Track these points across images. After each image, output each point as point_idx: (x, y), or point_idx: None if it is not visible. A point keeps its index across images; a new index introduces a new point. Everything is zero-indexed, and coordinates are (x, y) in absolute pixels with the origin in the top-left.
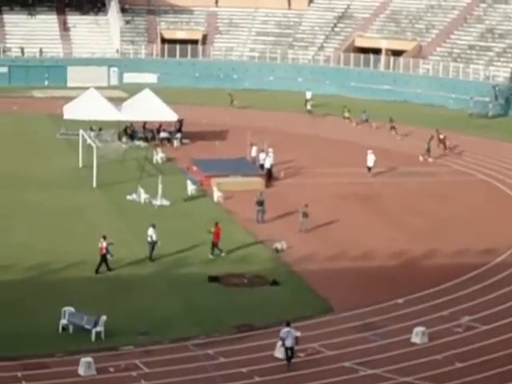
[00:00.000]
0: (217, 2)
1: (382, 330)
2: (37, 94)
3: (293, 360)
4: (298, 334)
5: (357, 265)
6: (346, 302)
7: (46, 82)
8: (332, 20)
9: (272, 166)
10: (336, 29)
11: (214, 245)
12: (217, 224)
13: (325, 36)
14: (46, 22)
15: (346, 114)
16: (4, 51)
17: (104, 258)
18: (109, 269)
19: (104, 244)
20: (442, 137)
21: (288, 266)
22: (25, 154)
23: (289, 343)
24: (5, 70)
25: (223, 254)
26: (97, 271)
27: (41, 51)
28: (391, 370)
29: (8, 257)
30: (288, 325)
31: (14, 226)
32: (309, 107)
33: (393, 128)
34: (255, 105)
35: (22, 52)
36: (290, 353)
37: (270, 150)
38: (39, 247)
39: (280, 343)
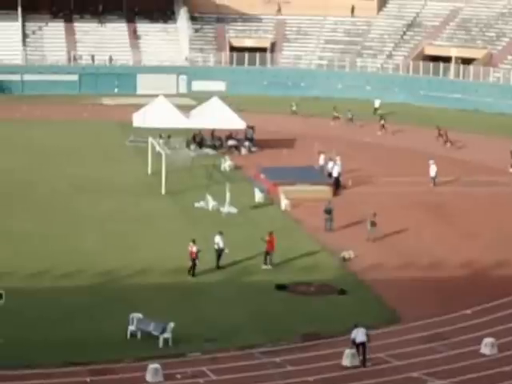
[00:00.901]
0: (279, 11)
1: (450, 340)
2: (106, 101)
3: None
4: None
5: (425, 274)
6: (414, 311)
7: (116, 90)
8: (401, 28)
9: (340, 174)
10: (405, 37)
11: (267, 254)
12: (271, 233)
13: (394, 44)
14: (115, 30)
15: (335, 114)
16: (75, 59)
17: (194, 262)
18: (193, 274)
19: (194, 248)
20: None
21: (355, 275)
22: (95, 161)
23: (360, 338)
24: (75, 77)
25: (269, 267)
26: (193, 274)
27: (110, 59)
28: (460, 380)
29: (78, 263)
30: (356, 326)
31: (85, 232)
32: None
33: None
34: (323, 113)
35: (93, 60)
36: (363, 349)
37: (338, 158)
38: (109, 253)
39: (348, 350)
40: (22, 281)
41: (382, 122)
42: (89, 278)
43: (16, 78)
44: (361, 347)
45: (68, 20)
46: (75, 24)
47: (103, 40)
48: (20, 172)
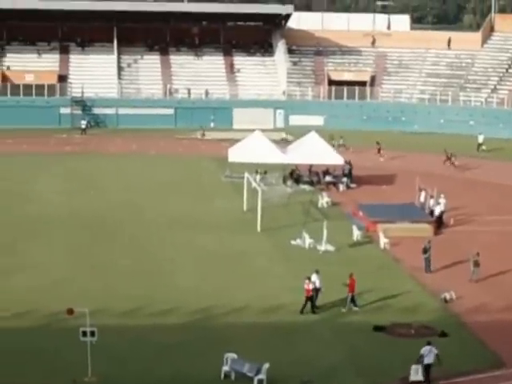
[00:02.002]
0: (373, 43)
1: None
2: (202, 135)
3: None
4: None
5: None
6: None
7: (212, 124)
8: (506, 61)
9: (443, 212)
10: (510, 70)
11: (349, 297)
12: (351, 275)
13: (498, 77)
14: (212, 63)
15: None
16: (170, 92)
17: (309, 299)
18: (313, 311)
19: (310, 286)
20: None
21: (457, 317)
22: (190, 197)
23: (429, 360)
24: (171, 111)
25: (344, 310)
26: (313, 311)
27: (206, 92)
28: None
29: (172, 300)
30: (429, 343)
31: (179, 269)
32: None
33: None
34: (425, 148)
35: (189, 93)
36: (427, 371)
37: (442, 196)
38: (203, 291)
39: (414, 365)
40: (116, 318)
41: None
42: (183, 315)
43: (111, 111)
44: (427, 368)
45: (164, 53)
46: (171, 57)
47: (199, 73)
48: (115, 207)
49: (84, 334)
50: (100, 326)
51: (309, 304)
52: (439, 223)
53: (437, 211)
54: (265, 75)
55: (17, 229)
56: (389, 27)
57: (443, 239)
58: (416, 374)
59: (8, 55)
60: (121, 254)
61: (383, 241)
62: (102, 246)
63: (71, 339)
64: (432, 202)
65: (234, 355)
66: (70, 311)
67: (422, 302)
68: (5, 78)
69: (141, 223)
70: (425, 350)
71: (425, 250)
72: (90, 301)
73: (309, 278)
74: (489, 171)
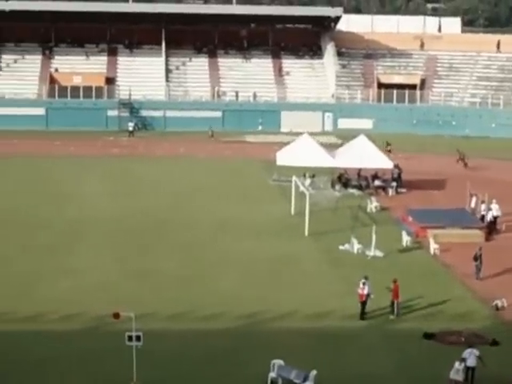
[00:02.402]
0: (422, 46)
1: None
2: (250, 138)
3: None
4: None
5: None
6: None
7: (260, 127)
8: None
9: (496, 218)
10: None
11: (393, 304)
12: (395, 281)
13: None
14: (260, 66)
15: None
16: (218, 95)
17: (363, 305)
18: (362, 317)
19: (365, 291)
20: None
21: (509, 325)
22: (237, 200)
23: (471, 363)
24: (219, 114)
25: (392, 317)
26: (361, 317)
27: (254, 95)
28: None
29: (218, 305)
30: (471, 346)
31: (226, 273)
32: None
33: None
34: (476, 153)
35: (237, 96)
36: (471, 373)
37: (494, 201)
38: (249, 296)
39: (458, 363)
40: (161, 322)
41: None
42: (229, 320)
43: (159, 114)
44: (470, 371)
45: (212, 55)
46: (219, 59)
47: (248, 76)
48: (162, 211)
49: (130, 338)
50: (146, 330)
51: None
52: (491, 229)
53: (488, 217)
54: (313, 78)
55: (64, 231)
56: (439, 30)
57: (494, 245)
58: (456, 373)
59: (56, 57)
60: (167, 257)
61: (433, 247)
62: (148, 250)
63: (117, 343)
64: (483, 207)
65: (281, 362)
66: (117, 315)
67: (473, 310)
68: (53, 80)
69: (188, 227)
70: (466, 352)
71: (476, 257)
72: (136, 305)
73: (364, 283)
74: None
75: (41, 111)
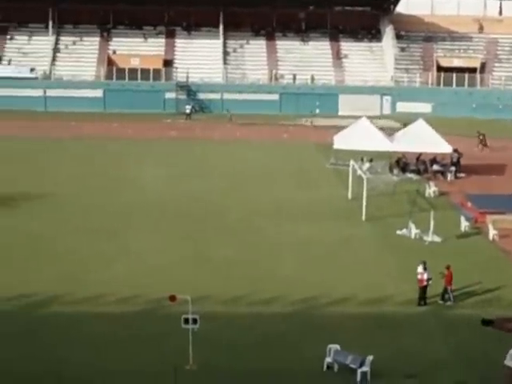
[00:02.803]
0: (481, 29)
1: None
2: (307, 122)
3: None
4: None
5: None
6: None
7: (317, 110)
8: None
9: None
10: None
11: (446, 290)
12: (448, 267)
13: None
14: (318, 49)
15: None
16: (276, 78)
17: (423, 290)
18: (424, 303)
19: (425, 276)
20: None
21: None
22: (294, 184)
23: None
24: (276, 97)
25: (449, 303)
26: (424, 303)
27: (312, 78)
28: None
29: (275, 289)
30: None
31: (282, 257)
32: None
33: None
34: None
35: (294, 79)
36: None
37: None
38: (306, 280)
39: None
40: (218, 306)
41: None
42: (286, 305)
43: (216, 96)
44: None
45: (270, 38)
46: (277, 42)
47: (305, 59)
48: (218, 194)
49: (186, 321)
50: (202, 313)
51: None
52: None
53: None
54: (372, 61)
55: (120, 214)
56: (500, 13)
57: None
58: (511, 360)
59: (114, 39)
60: (223, 241)
61: (492, 232)
62: (204, 234)
63: (173, 326)
64: None
65: (338, 346)
66: (173, 298)
67: None
68: (111, 62)
69: (244, 210)
70: None
71: None
72: (192, 288)
73: (425, 268)
74: None
75: (98, 93)
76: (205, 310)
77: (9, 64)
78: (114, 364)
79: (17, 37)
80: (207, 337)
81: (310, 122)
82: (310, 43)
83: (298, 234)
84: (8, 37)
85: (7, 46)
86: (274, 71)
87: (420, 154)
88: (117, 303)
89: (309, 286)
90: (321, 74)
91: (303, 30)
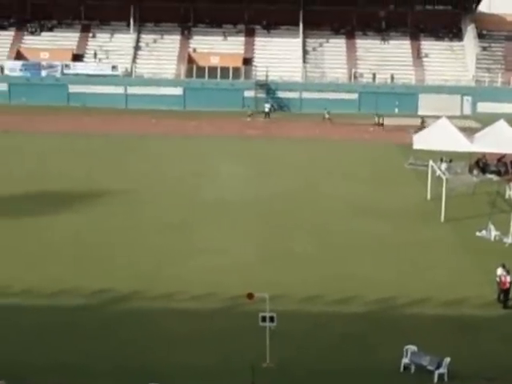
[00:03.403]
0: None
1: None
2: (386, 121)
3: None
4: None
5: None
6: None
7: (396, 110)
8: None
9: None
10: None
11: (502, 292)
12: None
13: None
14: (398, 48)
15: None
16: (355, 77)
17: (505, 292)
18: (504, 305)
19: (508, 278)
20: None
21: None
22: (371, 183)
23: None
24: (355, 96)
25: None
26: (505, 306)
27: (392, 77)
28: None
29: (351, 288)
30: None
31: (358, 257)
32: None
33: None
34: None
35: (374, 78)
36: None
37: None
38: (382, 280)
39: None
40: (295, 304)
41: None
42: (362, 304)
43: (295, 95)
44: None
45: (350, 36)
46: (357, 41)
47: (385, 58)
48: (296, 192)
49: (263, 319)
50: (279, 311)
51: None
52: None
53: None
54: (453, 61)
55: (198, 211)
56: None
57: None
58: None
59: (194, 37)
60: (301, 239)
61: None
62: (281, 232)
63: (250, 324)
64: None
65: (415, 348)
66: (250, 296)
67: None
68: (191, 60)
69: (321, 209)
70: None
71: None
72: (269, 286)
73: (508, 271)
74: None
75: (179, 91)
76: (282, 308)
77: (92, 61)
78: (191, 359)
79: (99, 35)
80: (284, 335)
81: (327, 114)
82: (391, 42)
83: (376, 233)
84: (90, 35)
85: (89, 43)
86: (353, 70)
87: (503, 156)
88: (193, 300)
89: (386, 285)
90: (401, 73)
91: (383, 28)
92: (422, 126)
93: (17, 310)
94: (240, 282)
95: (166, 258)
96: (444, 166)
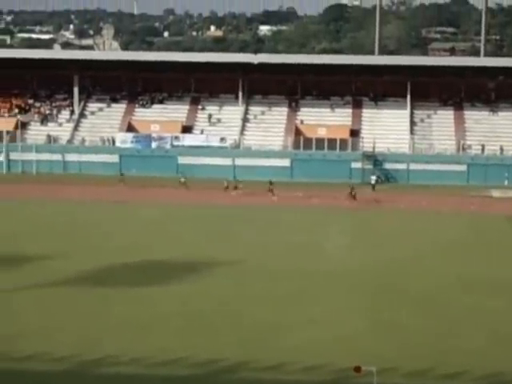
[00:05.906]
0: None
1: None
2: (495, 193)
3: None
4: None
5: None
6: None
7: (506, 182)
8: None
9: None
10: None
11: None
12: None
13: None
14: (508, 119)
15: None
16: (463, 149)
17: None
18: None
19: None
20: None
21: None
22: (481, 257)
23: None
24: (463, 168)
25: None
26: None
27: (501, 149)
28: None
29: (461, 363)
30: None
31: (470, 331)
32: None
33: None
34: None
35: (483, 150)
36: None
37: None
38: (494, 355)
39: None
40: (404, 378)
41: None
42: (472, 380)
43: (402, 166)
44: None
45: (458, 108)
46: (465, 112)
47: (494, 129)
48: (400, 264)
49: None
50: None
51: None
52: None
53: None
54: None
55: (303, 282)
56: None
57: None
58: None
59: (302, 109)
60: (408, 311)
61: None
62: (388, 303)
63: None
64: None
65: None
66: (358, 369)
67: None
68: (298, 132)
69: (427, 282)
70: None
71: None
72: (376, 359)
73: None
74: None
75: (286, 162)
76: (390, 381)
77: (201, 133)
78: None
79: (208, 107)
80: None
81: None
82: (500, 113)
83: (488, 307)
84: (199, 107)
85: (199, 115)
86: (461, 141)
87: None
88: (301, 372)
89: (499, 361)
90: (511, 144)
91: (493, 99)
92: None
93: (126, 380)
94: (347, 354)
95: (275, 328)
96: None
